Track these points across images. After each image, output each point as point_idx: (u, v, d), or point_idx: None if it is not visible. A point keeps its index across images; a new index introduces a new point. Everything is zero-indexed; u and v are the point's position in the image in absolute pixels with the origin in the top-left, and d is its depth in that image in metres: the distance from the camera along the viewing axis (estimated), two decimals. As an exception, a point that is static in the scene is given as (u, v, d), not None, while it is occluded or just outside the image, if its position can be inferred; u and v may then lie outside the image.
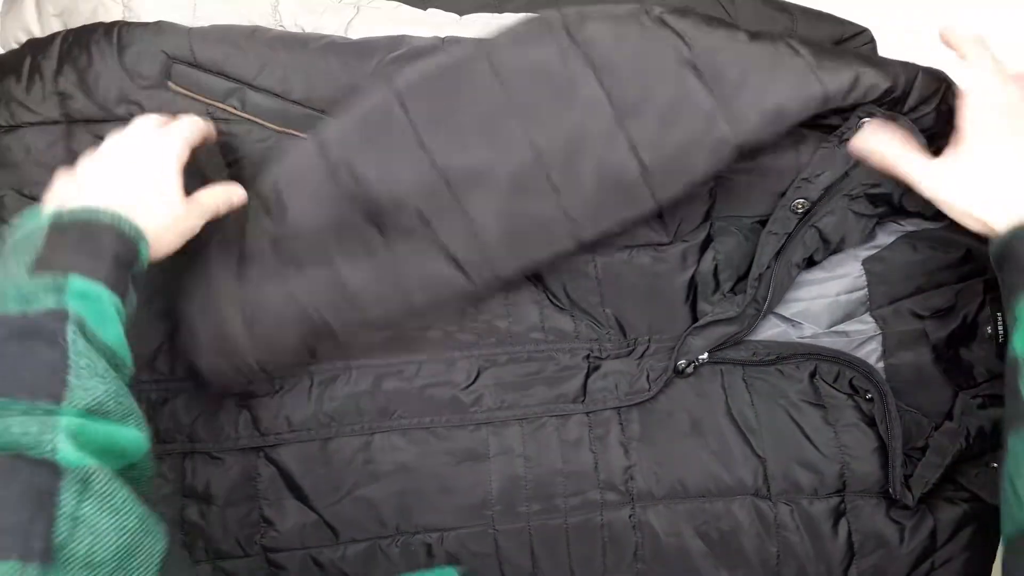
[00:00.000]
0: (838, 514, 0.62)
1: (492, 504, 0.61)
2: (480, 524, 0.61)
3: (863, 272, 0.66)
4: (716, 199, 0.65)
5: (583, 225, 0.57)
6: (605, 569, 0.62)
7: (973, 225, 0.55)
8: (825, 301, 0.66)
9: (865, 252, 0.66)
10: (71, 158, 0.63)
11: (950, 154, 0.56)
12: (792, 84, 0.55)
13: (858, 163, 0.60)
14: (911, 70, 0.57)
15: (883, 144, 0.58)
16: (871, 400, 0.63)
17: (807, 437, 0.63)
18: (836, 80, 0.55)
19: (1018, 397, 0.50)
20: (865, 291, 0.66)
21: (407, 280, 0.58)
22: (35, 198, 0.62)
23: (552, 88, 0.55)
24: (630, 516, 0.62)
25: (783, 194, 0.63)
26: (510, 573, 0.61)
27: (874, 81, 0.56)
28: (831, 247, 0.63)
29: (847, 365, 0.64)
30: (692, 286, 0.65)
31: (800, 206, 0.61)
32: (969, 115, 0.55)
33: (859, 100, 0.57)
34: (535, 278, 0.65)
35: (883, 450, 0.63)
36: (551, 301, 0.65)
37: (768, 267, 0.62)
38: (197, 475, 0.61)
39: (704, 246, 0.65)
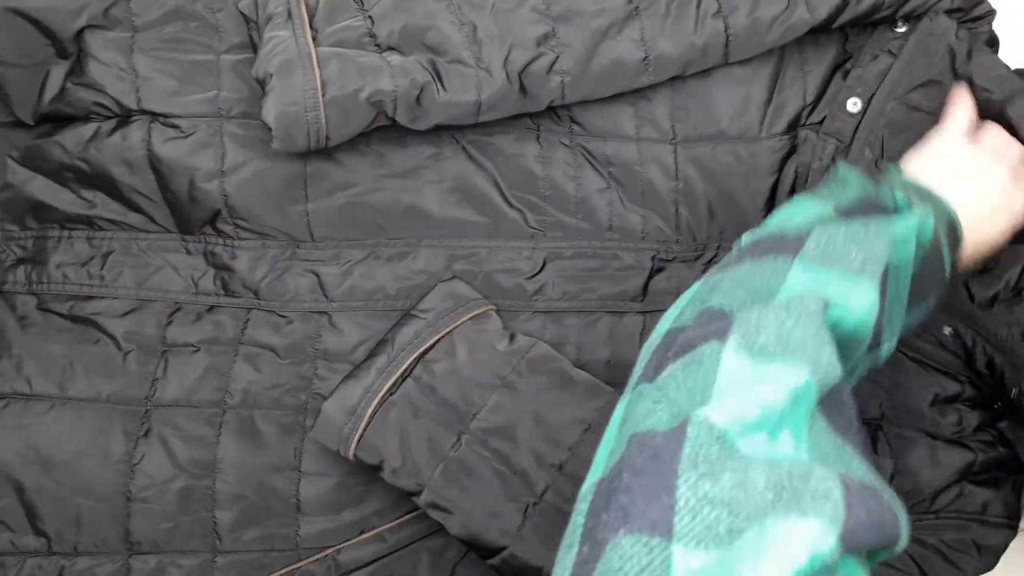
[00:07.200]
0: (872, 440, 0.63)
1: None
2: None
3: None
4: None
5: (655, 74, 0.62)
6: None
7: None
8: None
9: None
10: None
11: None
12: None
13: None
14: None
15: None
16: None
17: None
18: None
19: None
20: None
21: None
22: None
23: None
24: None
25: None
26: None
27: None
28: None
29: None
30: (774, 190, 0.65)
31: (854, 104, 0.62)
32: (918, 157, 0.57)
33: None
34: (609, 175, 0.64)
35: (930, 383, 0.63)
36: (621, 200, 0.65)
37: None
38: (260, 329, 0.62)
39: (791, 152, 0.65)
